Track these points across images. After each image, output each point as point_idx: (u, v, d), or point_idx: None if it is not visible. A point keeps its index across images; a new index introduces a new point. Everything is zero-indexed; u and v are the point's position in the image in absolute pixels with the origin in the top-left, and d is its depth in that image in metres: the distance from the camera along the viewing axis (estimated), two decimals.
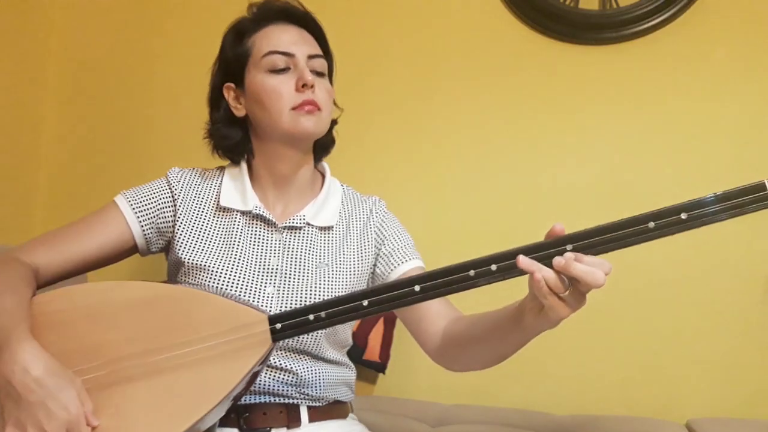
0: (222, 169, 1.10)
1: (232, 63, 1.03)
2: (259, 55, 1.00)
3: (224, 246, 0.99)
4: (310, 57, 1.00)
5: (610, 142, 1.47)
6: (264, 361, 0.83)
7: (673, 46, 1.44)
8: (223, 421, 0.92)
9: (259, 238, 1.01)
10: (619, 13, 1.45)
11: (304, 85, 0.97)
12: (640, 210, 1.41)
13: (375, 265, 1.07)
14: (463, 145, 1.55)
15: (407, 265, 1.05)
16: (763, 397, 1.35)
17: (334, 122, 1.10)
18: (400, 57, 1.61)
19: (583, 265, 0.70)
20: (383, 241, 1.08)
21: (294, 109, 0.97)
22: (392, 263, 1.06)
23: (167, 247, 1.05)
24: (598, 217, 1.44)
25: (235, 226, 1.01)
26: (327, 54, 1.07)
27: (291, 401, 0.97)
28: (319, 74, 1.01)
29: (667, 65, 1.45)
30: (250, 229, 1.01)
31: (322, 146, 1.09)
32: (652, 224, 0.69)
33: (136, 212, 1.01)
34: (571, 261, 0.70)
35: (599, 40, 1.48)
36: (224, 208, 1.03)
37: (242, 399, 0.93)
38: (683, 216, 0.68)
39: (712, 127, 1.41)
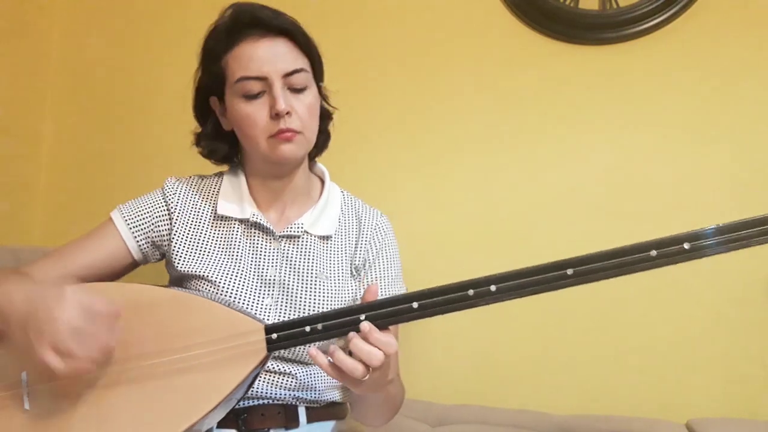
0: (220, 175, 1.08)
1: (212, 80, 0.99)
2: (232, 79, 0.95)
3: (223, 256, 0.99)
4: (286, 75, 0.93)
5: (609, 141, 1.47)
6: (259, 369, 0.83)
7: (673, 46, 1.44)
8: (221, 422, 0.91)
9: (257, 248, 1.00)
10: (619, 13, 1.45)
11: (277, 114, 0.93)
12: (638, 209, 1.42)
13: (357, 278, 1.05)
14: (462, 144, 1.55)
15: None
16: (763, 397, 1.34)
17: (329, 118, 1.07)
18: (400, 56, 1.61)
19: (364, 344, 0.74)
20: (372, 263, 1.05)
21: (271, 136, 0.94)
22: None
23: (166, 259, 1.05)
24: (597, 216, 1.46)
25: (234, 235, 1.00)
26: (309, 57, 0.99)
27: (289, 402, 0.97)
28: (299, 90, 0.95)
29: (667, 65, 1.44)
30: (249, 237, 1.00)
31: (316, 145, 1.05)
32: (654, 252, 0.70)
33: (131, 227, 1.01)
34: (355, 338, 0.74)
35: (599, 40, 1.48)
36: (222, 217, 1.02)
37: (240, 402, 0.93)
38: (686, 246, 0.69)
39: (711, 128, 1.41)
